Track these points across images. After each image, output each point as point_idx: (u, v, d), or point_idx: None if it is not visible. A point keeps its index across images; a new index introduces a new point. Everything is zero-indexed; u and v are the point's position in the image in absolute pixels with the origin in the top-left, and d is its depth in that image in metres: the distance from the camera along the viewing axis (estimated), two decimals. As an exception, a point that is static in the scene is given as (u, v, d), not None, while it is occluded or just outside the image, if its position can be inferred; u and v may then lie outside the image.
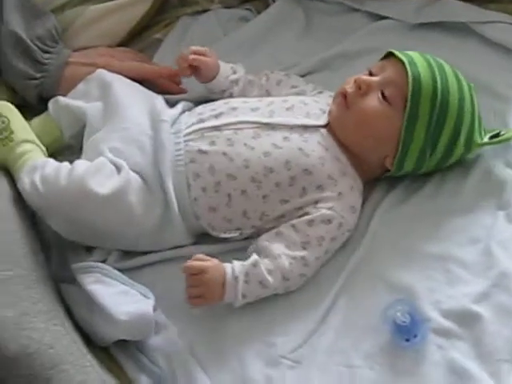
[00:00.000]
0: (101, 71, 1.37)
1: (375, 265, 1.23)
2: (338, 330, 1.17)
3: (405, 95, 1.24)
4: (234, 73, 1.39)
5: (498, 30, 1.50)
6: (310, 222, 1.21)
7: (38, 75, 1.39)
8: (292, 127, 1.26)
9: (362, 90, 1.25)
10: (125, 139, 1.27)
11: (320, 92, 1.38)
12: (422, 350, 1.12)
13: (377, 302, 1.17)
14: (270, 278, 1.17)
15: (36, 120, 1.37)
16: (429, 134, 1.25)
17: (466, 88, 1.28)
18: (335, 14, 1.61)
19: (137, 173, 1.24)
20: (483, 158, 1.34)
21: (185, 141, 1.26)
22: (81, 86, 1.37)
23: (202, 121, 1.28)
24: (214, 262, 1.17)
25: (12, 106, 1.31)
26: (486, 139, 1.30)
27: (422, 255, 1.23)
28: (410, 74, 1.24)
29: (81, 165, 1.23)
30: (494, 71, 1.45)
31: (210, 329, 1.18)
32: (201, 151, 1.24)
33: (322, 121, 1.28)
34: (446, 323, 1.14)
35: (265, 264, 1.18)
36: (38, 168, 1.23)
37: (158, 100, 1.34)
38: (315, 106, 1.31)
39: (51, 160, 1.26)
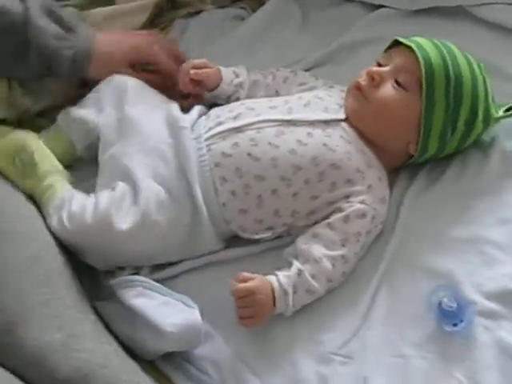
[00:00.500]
0: (115, 77, 1.34)
1: (411, 253, 1.23)
2: (383, 321, 1.16)
3: (419, 79, 1.25)
4: (237, 76, 1.38)
5: (496, 11, 1.52)
6: (346, 219, 1.21)
7: (72, 39, 1.33)
8: (313, 123, 1.26)
9: (376, 80, 1.26)
10: (145, 151, 1.25)
11: (331, 86, 1.37)
12: (470, 333, 1.13)
13: (418, 290, 1.18)
14: (315, 284, 1.17)
15: (45, 133, 1.34)
16: (448, 115, 1.26)
17: (475, 66, 1.29)
18: (330, 7, 1.61)
19: (160, 184, 1.22)
20: (498, 138, 1.35)
21: (207, 145, 1.24)
22: (93, 94, 1.35)
23: (220, 123, 1.27)
24: (260, 279, 1.16)
25: (34, 135, 1.30)
26: (501, 113, 1.32)
27: (455, 239, 1.23)
28: (420, 57, 1.25)
29: (104, 198, 1.21)
30: (497, 52, 1.46)
31: (256, 333, 1.17)
32: (225, 154, 1.23)
33: (341, 115, 1.28)
34: (490, 305, 1.15)
35: (308, 270, 1.17)
36: (65, 204, 1.22)
37: (174, 106, 1.32)
38: (331, 101, 1.31)
39: (76, 193, 1.25)
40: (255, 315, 1.14)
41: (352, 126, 1.27)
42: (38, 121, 1.41)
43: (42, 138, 1.32)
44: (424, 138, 1.26)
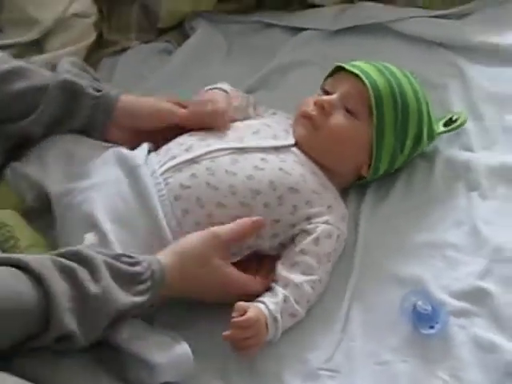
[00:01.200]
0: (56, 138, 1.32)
1: (377, 265, 1.26)
2: (362, 333, 1.19)
3: (368, 105, 1.29)
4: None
5: (414, 24, 1.59)
6: (316, 241, 1.23)
7: (98, 94, 1.31)
8: (265, 149, 1.28)
9: (327, 110, 1.29)
10: (103, 195, 1.24)
11: (274, 113, 1.40)
12: (446, 334, 1.16)
13: (390, 299, 1.21)
14: (299, 308, 1.19)
15: None
16: (397, 136, 1.31)
17: (415, 83, 1.34)
18: (254, 33, 1.65)
19: (124, 225, 1.21)
20: (439, 147, 1.40)
21: (164, 179, 1.24)
22: (35, 153, 1.32)
23: (174, 157, 1.27)
24: (254, 306, 1.16)
25: (14, 212, 1.27)
26: (441, 127, 1.38)
27: (417, 246, 1.27)
28: (367, 84, 1.29)
29: None
30: (420, 64, 1.52)
31: (242, 359, 1.17)
32: (183, 186, 1.23)
33: (291, 140, 1.31)
34: (460, 304, 1.19)
35: (292, 295, 1.19)
36: None
37: (120, 147, 1.31)
38: (278, 128, 1.33)
39: None
40: (258, 343, 1.16)
41: (302, 150, 1.30)
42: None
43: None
44: (376, 160, 1.31)
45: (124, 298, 1.07)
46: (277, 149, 1.29)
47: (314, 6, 1.65)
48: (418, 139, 1.33)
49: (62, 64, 1.31)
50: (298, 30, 1.63)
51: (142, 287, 1.10)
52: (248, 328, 1.14)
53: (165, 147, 1.31)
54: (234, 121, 1.34)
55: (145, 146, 1.32)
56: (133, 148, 1.32)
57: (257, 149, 1.28)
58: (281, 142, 1.30)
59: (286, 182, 1.25)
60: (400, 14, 1.60)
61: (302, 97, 1.36)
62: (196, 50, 1.61)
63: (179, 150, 1.28)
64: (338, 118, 1.29)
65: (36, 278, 1.02)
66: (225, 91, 1.36)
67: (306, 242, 1.23)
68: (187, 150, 1.27)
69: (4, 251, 1.22)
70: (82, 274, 1.05)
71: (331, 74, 1.36)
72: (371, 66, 1.33)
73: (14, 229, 1.25)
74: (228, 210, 1.23)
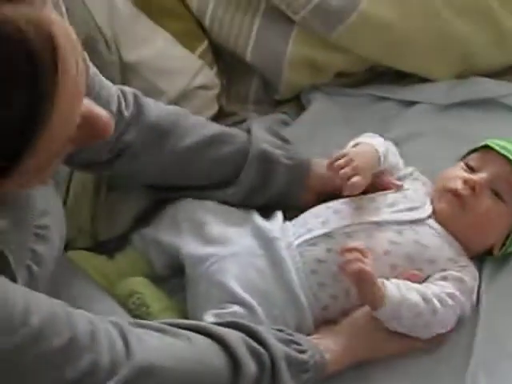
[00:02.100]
0: (185, 201, 1.37)
1: (501, 335, 1.27)
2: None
3: None
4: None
5: (525, 100, 1.63)
6: (444, 278, 1.25)
7: (291, 150, 1.38)
8: (400, 223, 1.30)
9: (477, 191, 1.30)
10: (238, 265, 1.27)
11: (415, 179, 1.41)
12: None
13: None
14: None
15: (120, 257, 1.38)
16: None
17: None
18: (369, 106, 1.70)
19: (260, 297, 1.24)
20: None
21: (299, 252, 1.27)
22: (167, 219, 1.38)
23: (310, 230, 1.29)
24: None
25: (143, 279, 1.33)
26: None
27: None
28: None
29: None
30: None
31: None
32: (320, 261, 1.26)
33: (426, 213, 1.32)
34: None
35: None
36: None
37: (255, 216, 1.34)
38: (414, 198, 1.35)
39: None
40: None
41: (439, 222, 1.32)
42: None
43: (120, 261, 1.37)
44: (511, 243, 1.34)
45: None
46: (412, 222, 1.30)
47: (425, 79, 1.71)
48: None
49: (257, 129, 1.37)
50: (411, 103, 1.68)
51: (305, 376, 1.13)
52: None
53: (301, 218, 1.33)
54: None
55: (279, 216, 1.35)
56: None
57: (392, 222, 1.30)
58: (417, 215, 1.31)
59: (423, 254, 1.27)
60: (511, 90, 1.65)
61: (418, 167, 1.41)
62: (314, 121, 1.66)
63: (316, 223, 1.30)
64: (487, 201, 1.31)
65: (233, 359, 1.06)
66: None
67: (435, 277, 1.26)
68: (323, 224, 1.29)
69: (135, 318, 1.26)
70: (267, 359, 1.08)
71: (475, 150, 1.38)
72: None
73: (145, 295, 1.30)
74: None
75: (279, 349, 1.10)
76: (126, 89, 1.31)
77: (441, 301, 1.21)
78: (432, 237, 1.29)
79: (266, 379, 1.08)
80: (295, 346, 1.14)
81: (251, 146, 1.34)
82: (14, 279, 1.01)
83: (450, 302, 1.22)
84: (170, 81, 1.62)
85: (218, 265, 1.28)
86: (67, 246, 1.41)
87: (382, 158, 1.34)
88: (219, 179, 1.35)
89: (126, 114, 1.26)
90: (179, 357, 1.02)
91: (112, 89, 1.26)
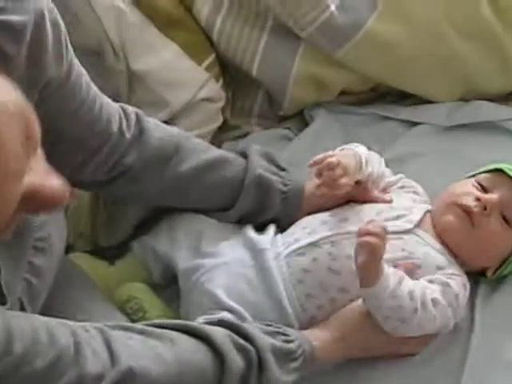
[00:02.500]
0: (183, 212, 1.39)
1: (494, 348, 1.27)
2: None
3: None
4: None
5: (525, 124, 1.65)
6: (431, 281, 1.25)
7: (286, 177, 1.39)
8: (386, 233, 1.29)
9: (488, 211, 1.30)
10: (227, 275, 1.29)
11: (402, 187, 1.42)
12: None
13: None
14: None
15: (120, 263, 1.40)
16: None
17: None
18: (371, 125, 1.72)
19: (250, 309, 1.25)
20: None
21: (286, 262, 1.28)
22: (165, 228, 1.39)
23: (297, 240, 1.31)
24: None
25: (142, 285, 1.35)
26: None
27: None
28: None
29: None
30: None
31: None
32: (305, 270, 1.27)
33: (413, 222, 1.32)
34: None
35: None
36: None
37: (248, 229, 1.36)
38: (401, 207, 1.35)
39: None
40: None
41: (425, 230, 1.32)
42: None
43: (120, 266, 1.39)
44: (506, 268, 1.34)
45: (280, 375, 1.12)
46: (399, 232, 1.30)
47: (428, 101, 1.73)
48: None
49: (254, 155, 1.38)
50: (413, 123, 1.70)
51: (294, 365, 1.14)
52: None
53: (290, 229, 1.35)
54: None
55: (271, 229, 1.36)
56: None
57: None
58: (404, 225, 1.31)
59: (410, 261, 1.27)
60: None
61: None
62: (316, 137, 1.68)
63: (303, 233, 1.31)
64: (496, 224, 1.31)
65: (219, 356, 1.07)
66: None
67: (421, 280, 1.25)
68: (310, 234, 1.31)
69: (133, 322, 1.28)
70: (253, 354, 1.10)
71: (487, 171, 1.37)
72: None
73: (143, 301, 1.32)
74: (351, 295, 1.25)
75: (265, 341, 1.12)
76: (129, 108, 1.30)
77: (424, 303, 1.21)
78: (419, 245, 1.30)
79: (253, 373, 1.10)
80: (282, 337, 1.15)
81: (248, 172, 1.35)
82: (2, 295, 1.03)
83: (430, 307, 1.22)
84: (176, 92, 1.64)
85: (208, 275, 1.30)
86: (68, 249, 1.43)
87: (364, 161, 1.35)
88: (216, 204, 1.37)
89: (128, 135, 1.26)
90: (162, 359, 1.03)
91: (113, 108, 1.25)
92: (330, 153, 1.33)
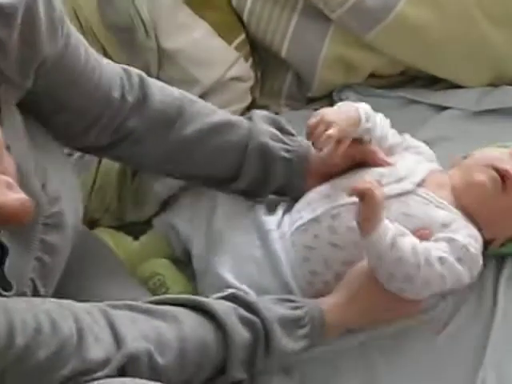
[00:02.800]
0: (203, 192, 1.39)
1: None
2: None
3: None
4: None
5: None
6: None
7: (292, 144, 1.36)
8: (386, 198, 1.25)
9: None
10: (239, 256, 1.30)
11: (406, 149, 1.40)
12: None
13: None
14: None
15: (144, 239, 1.42)
16: None
17: None
18: (399, 108, 1.72)
19: (258, 291, 1.25)
20: None
21: (292, 241, 1.29)
22: (185, 207, 1.41)
23: (301, 217, 1.30)
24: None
25: (165, 261, 1.37)
26: None
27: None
28: None
29: None
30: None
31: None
32: (309, 247, 1.27)
33: (413, 183, 1.30)
34: None
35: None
36: None
37: (260, 210, 1.35)
38: (403, 169, 1.33)
39: None
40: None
41: (429, 189, 1.30)
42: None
43: (142, 242, 1.41)
44: (510, 245, 1.34)
45: (288, 343, 1.13)
46: (400, 194, 1.29)
47: (457, 85, 1.73)
48: None
49: (259, 120, 1.36)
50: (442, 107, 1.70)
51: (303, 332, 1.16)
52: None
53: (298, 205, 1.34)
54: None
55: (280, 209, 1.36)
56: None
57: None
58: (405, 186, 1.29)
59: (412, 226, 1.24)
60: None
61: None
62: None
63: (306, 209, 1.31)
64: None
65: (221, 329, 1.09)
66: None
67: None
68: (313, 210, 1.30)
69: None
70: (259, 326, 1.11)
71: None
72: None
73: (165, 277, 1.34)
74: (355, 263, 1.24)
75: (272, 312, 1.13)
76: (132, 71, 1.29)
77: (428, 260, 1.20)
78: (421, 205, 1.28)
79: (260, 344, 1.11)
80: (289, 304, 1.17)
81: (251, 138, 1.33)
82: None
83: (437, 265, 1.20)
84: (206, 70, 1.65)
85: (218, 259, 1.31)
86: (94, 224, 1.46)
87: (363, 116, 1.32)
88: (223, 169, 1.35)
89: (130, 98, 1.25)
90: (165, 339, 1.04)
91: (115, 72, 1.25)
92: (317, 112, 1.31)
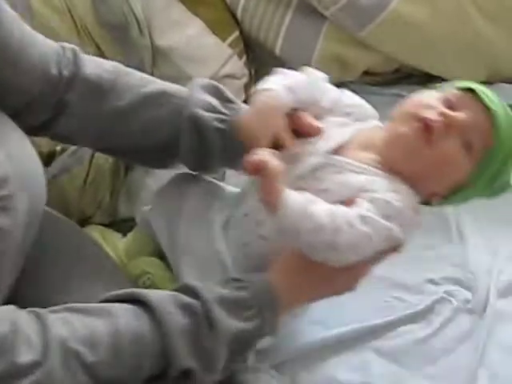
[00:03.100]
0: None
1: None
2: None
3: (485, 148, 1.14)
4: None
5: None
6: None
7: (222, 126, 1.24)
8: (300, 177, 1.17)
9: (450, 130, 1.13)
10: (199, 259, 1.26)
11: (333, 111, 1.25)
12: None
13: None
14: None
15: (130, 236, 1.40)
16: (488, 184, 1.19)
17: None
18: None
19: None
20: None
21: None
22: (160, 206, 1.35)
23: (238, 212, 1.25)
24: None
25: (154, 259, 1.34)
26: None
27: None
28: (499, 133, 1.14)
29: None
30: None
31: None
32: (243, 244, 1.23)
33: (323, 155, 1.18)
34: None
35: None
36: None
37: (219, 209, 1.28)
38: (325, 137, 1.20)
39: None
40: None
41: (345, 154, 1.18)
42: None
43: (130, 239, 1.38)
44: (454, 196, 1.20)
45: (233, 323, 1.10)
46: (312, 170, 1.17)
47: (452, 83, 1.72)
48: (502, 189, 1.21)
49: (197, 89, 1.27)
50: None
51: (249, 313, 1.11)
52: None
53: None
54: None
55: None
56: None
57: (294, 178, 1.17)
58: (313, 161, 1.18)
59: (330, 200, 1.12)
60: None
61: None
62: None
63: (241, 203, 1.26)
64: (455, 147, 1.14)
65: (155, 316, 1.05)
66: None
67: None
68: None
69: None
70: (198, 308, 1.08)
71: (460, 88, 1.18)
72: (503, 109, 1.16)
73: (155, 276, 1.32)
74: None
75: (211, 293, 1.10)
76: (66, 46, 1.26)
77: (349, 222, 1.08)
78: (335, 175, 1.16)
79: (203, 327, 1.08)
80: (234, 284, 1.13)
81: (184, 108, 1.24)
82: None
83: (358, 225, 1.09)
84: (199, 68, 1.65)
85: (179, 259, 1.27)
86: (85, 221, 1.46)
87: (284, 95, 1.22)
88: (160, 142, 1.27)
89: (66, 73, 1.23)
90: (98, 336, 1.02)
91: (52, 49, 1.22)
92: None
